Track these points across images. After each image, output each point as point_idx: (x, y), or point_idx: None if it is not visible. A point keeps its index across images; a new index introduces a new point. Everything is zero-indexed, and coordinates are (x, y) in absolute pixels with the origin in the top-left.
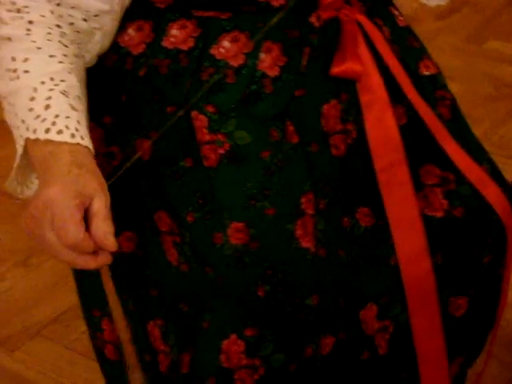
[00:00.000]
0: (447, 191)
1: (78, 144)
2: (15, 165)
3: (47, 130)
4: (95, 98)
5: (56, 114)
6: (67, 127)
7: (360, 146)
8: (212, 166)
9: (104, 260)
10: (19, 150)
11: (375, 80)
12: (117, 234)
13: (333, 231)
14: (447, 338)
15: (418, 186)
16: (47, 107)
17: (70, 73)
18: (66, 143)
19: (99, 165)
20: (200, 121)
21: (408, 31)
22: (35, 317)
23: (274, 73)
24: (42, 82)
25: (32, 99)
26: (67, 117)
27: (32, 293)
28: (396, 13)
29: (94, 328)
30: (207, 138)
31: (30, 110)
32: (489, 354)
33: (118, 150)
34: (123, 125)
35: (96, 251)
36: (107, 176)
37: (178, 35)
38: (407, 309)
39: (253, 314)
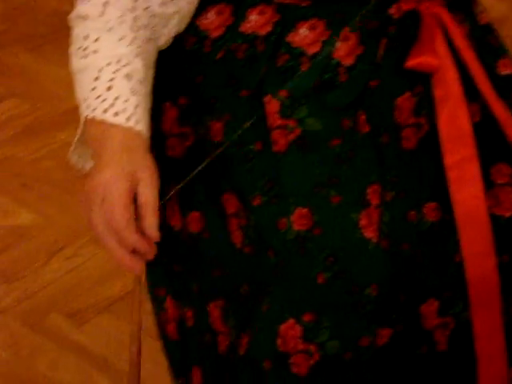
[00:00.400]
0: None
1: (131, 128)
2: (75, 139)
3: (105, 111)
4: (172, 78)
5: (116, 96)
6: (124, 110)
7: (431, 141)
8: (281, 151)
9: (138, 266)
10: (80, 126)
11: (451, 75)
12: (184, 215)
13: (398, 224)
14: (509, 340)
15: (489, 184)
16: (109, 88)
17: (136, 56)
18: (119, 126)
19: (171, 146)
20: (272, 105)
21: (489, 29)
22: (104, 293)
23: (349, 62)
24: (108, 64)
25: (96, 79)
26: (126, 100)
27: (102, 270)
28: (478, 10)
29: (157, 307)
30: (278, 122)
31: (93, 89)
32: None
33: (190, 130)
34: (197, 106)
35: (135, 253)
36: (180, 155)
37: (256, 20)
38: (469, 307)
39: (311, 300)
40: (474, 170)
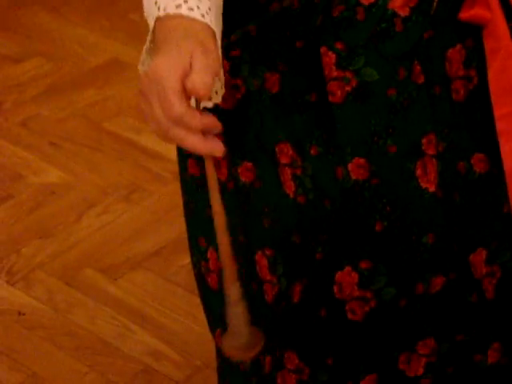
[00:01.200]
0: None
1: (207, 25)
2: (144, 47)
3: (178, 6)
4: (224, 30)
5: None
6: (198, 7)
7: (481, 93)
8: (338, 102)
9: (213, 145)
10: (150, 32)
11: (502, 28)
12: (236, 164)
13: (449, 174)
14: None
15: None
16: None
17: None
18: (194, 20)
19: (223, 98)
20: (329, 57)
21: None
22: (137, 249)
23: (404, 13)
24: None
25: None
26: (199, 1)
27: (133, 226)
28: None
29: (198, 257)
30: (335, 74)
31: None
32: None
33: (241, 82)
34: (251, 58)
35: (206, 135)
36: (231, 107)
37: None
38: None
39: (368, 248)
40: None
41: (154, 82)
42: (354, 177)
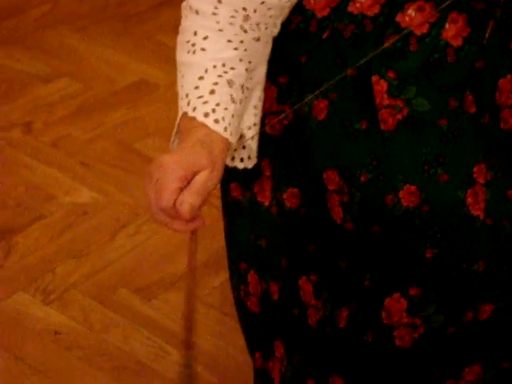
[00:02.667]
0: None
1: (225, 139)
2: (174, 131)
3: (206, 115)
4: (274, 57)
5: (217, 102)
6: (223, 119)
7: None
8: (389, 129)
9: (194, 225)
10: (178, 119)
11: None
12: (281, 190)
13: (498, 202)
14: None
15: None
16: (212, 92)
17: (241, 60)
18: (215, 133)
19: (269, 123)
20: (380, 86)
21: None
22: (169, 269)
23: (457, 43)
24: (214, 66)
25: (200, 78)
26: (225, 108)
27: (165, 247)
28: None
29: (238, 280)
30: (386, 102)
31: (196, 88)
32: None
33: (289, 109)
34: (299, 85)
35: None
36: (278, 133)
37: (364, 1)
38: None
39: (418, 275)
40: None
41: (157, 172)
42: (405, 204)
